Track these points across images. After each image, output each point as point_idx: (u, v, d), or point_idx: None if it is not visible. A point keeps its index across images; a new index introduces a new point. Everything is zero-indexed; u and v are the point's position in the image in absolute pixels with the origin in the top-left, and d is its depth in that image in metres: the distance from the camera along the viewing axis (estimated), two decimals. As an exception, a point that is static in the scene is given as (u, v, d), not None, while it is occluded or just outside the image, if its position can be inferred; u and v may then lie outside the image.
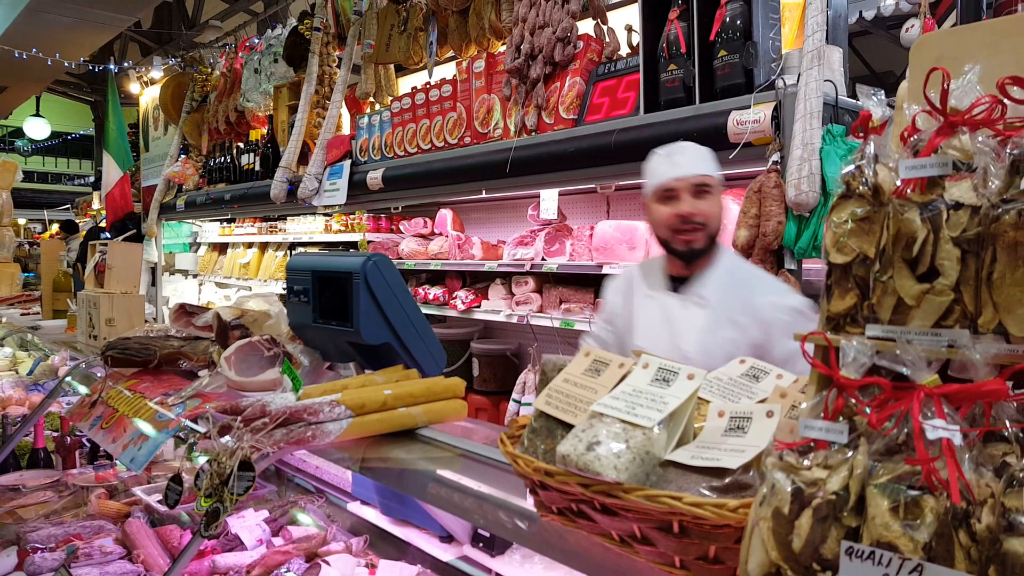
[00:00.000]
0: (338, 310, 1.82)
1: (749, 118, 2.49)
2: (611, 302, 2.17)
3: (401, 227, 4.81)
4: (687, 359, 1.27)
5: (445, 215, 4.47)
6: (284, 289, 2.05)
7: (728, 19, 2.65)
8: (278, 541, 2.20)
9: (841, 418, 0.69)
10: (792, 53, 2.58)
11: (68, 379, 2.59)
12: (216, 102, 6.11)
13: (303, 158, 4.86)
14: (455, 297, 4.09)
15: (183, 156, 6.53)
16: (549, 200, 3.73)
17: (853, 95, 2.63)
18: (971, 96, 0.76)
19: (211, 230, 7.30)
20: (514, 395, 3.70)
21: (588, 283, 3.64)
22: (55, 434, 3.03)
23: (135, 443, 1.80)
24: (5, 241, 5.37)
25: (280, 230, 5.87)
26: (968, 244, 0.68)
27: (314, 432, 1.38)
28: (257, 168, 5.47)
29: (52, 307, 4.12)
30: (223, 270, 6.82)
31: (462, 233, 4.33)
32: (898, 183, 0.74)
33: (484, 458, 1.35)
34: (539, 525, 1.04)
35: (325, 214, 5.23)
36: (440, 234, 4.47)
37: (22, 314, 4.33)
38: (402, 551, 2.09)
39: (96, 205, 11.86)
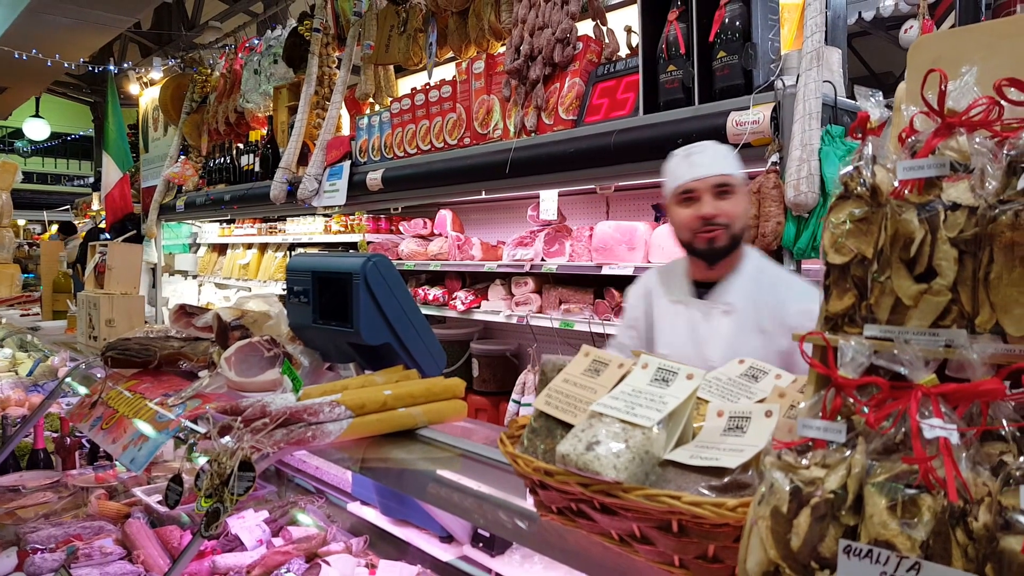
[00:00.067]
0: (338, 311, 1.82)
1: (748, 119, 2.49)
2: (633, 307, 2.11)
3: (401, 228, 4.81)
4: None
5: (445, 216, 4.48)
6: (284, 290, 2.06)
7: (727, 20, 2.65)
8: (278, 541, 2.21)
9: (839, 417, 0.70)
10: (791, 54, 2.59)
11: (68, 380, 2.59)
12: (216, 103, 6.11)
13: (303, 159, 4.86)
14: (455, 298, 4.09)
15: (183, 157, 6.53)
16: (549, 201, 3.74)
17: (852, 96, 2.64)
18: (968, 97, 0.76)
19: (211, 231, 7.31)
20: (514, 395, 3.70)
21: (588, 284, 3.65)
22: (55, 435, 3.03)
23: (135, 444, 1.81)
24: (5, 242, 5.37)
25: (280, 231, 5.87)
26: (965, 245, 0.68)
27: (314, 432, 1.38)
28: (257, 169, 5.47)
29: (52, 308, 4.13)
30: (223, 271, 6.82)
31: (462, 234, 4.33)
32: (896, 184, 0.74)
33: (484, 458, 1.36)
34: (539, 525, 1.04)
35: (325, 215, 5.23)
36: (440, 235, 4.47)
37: (22, 315, 4.34)
38: (402, 551, 2.09)
39: (96, 206, 11.86)
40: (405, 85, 4.64)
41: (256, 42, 5.89)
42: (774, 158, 2.48)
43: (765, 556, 0.66)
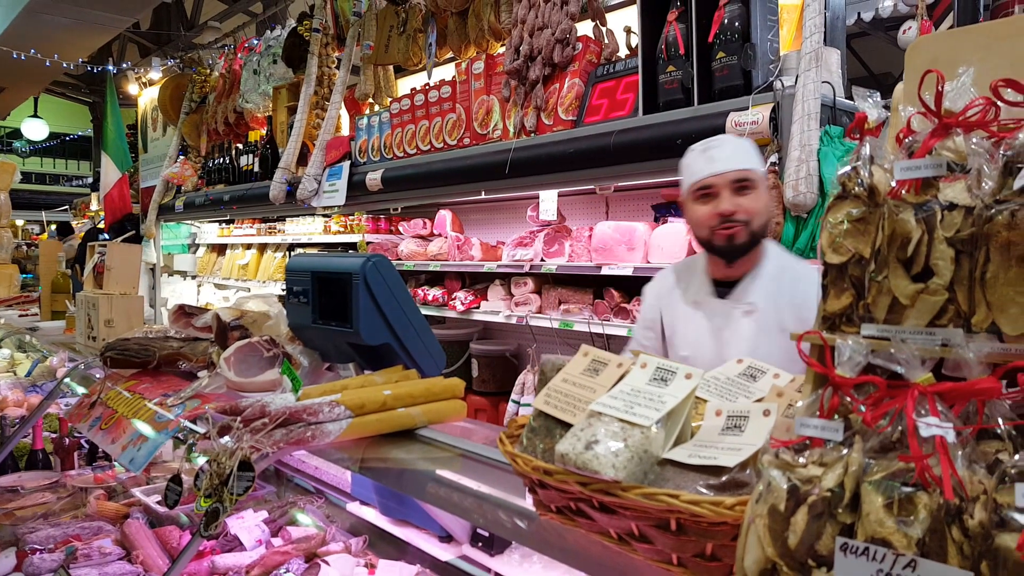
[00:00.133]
0: (337, 311, 1.82)
1: (747, 119, 2.50)
2: (650, 308, 2.04)
3: (400, 228, 4.82)
4: None
5: (444, 216, 4.48)
6: (283, 290, 2.06)
7: (726, 21, 2.66)
8: (277, 541, 2.21)
9: (836, 416, 0.70)
10: (790, 55, 2.59)
11: (67, 380, 2.59)
12: (215, 103, 6.11)
13: (302, 159, 4.86)
14: (454, 298, 4.10)
15: (182, 157, 6.53)
16: (548, 201, 3.74)
17: (851, 97, 2.65)
18: (965, 98, 0.77)
19: (210, 231, 7.31)
20: (513, 396, 3.71)
21: (587, 284, 3.65)
22: (53, 435, 3.03)
23: (134, 444, 1.81)
24: (3, 242, 5.36)
25: (279, 231, 5.87)
26: (962, 244, 0.69)
27: (314, 432, 1.38)
28: (256, 169, 5.47)
29: (50, 308, 4.12)
30: (222, 271, 6.82)
31: (461, 234, 4.34)
32: (893, 184, 0.75)
33: (483, 458, 1.36)
34: (538, 524, 1.05)
35: (324, 215, 5.23)
36: (439, 235, 4.47)
37: (20, 315, 4.33)
38: (401, 551, 2.09)
39: (94, 206, 11.85)
40: (405, 85, 4.64)
41: (255, 42, 5.89)
42: (773, 158, 2.49)
43: (763, 554, 0.66)
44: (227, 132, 6.01)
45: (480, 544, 1.89)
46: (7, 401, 3.29)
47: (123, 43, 11.24)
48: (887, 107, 1.04)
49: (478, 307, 4.02)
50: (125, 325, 2.75)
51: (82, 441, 3.02)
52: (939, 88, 0.76)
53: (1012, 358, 0.65)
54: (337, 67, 4.90)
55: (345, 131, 4.99)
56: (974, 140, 0.72)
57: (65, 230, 10.95)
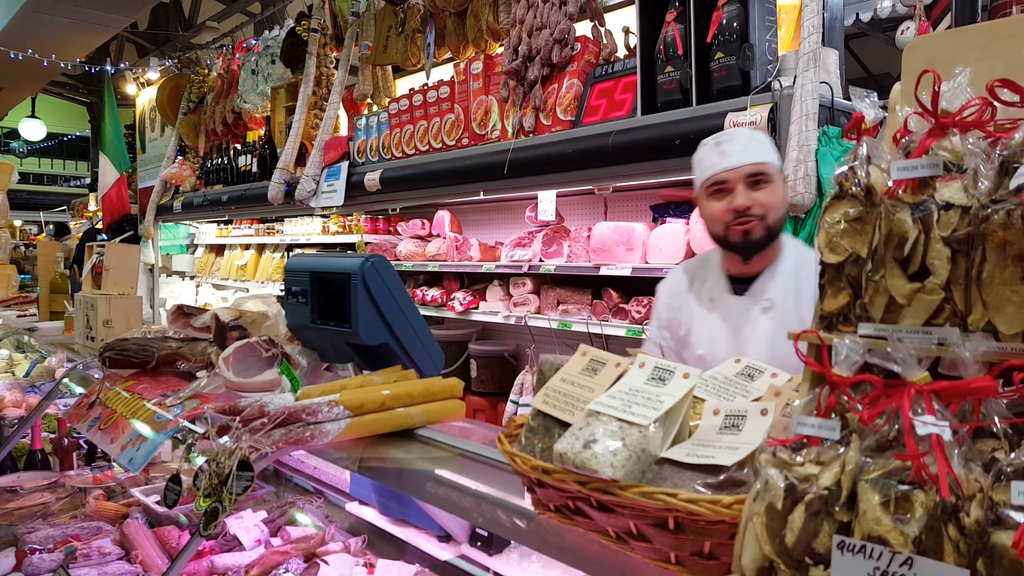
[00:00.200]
0: (336, 311, 1.82)
1: (745, 120, 2.50)
2: (665, 307, 1.99)
3: (399, 228, 4.82)
4: None
5: (443, 216, 4.48)
6: (282, 290, 2.06)
7: (725, 21, 2.66)
8: (276, 541, 2.21)
9: (833, 415, 0.70)
10: (788, 55, 2.60)
11: (65, 380, 2.59)
12: (213, 103, 6.11)
13: (300, 159, 4.86)
14: (453, 298, 4.10)
15: (180, 157, 6.53)
16: (547, 201, 3.74)
17: (849, 97, 2.65)
18: (962, 98, 0.77)
19: (208, 232, 7.30)
20: (512, 396, 3.71)
21: (586, 284, 3.65)
22: (52, 436, 3.03)
23: (133, 444, 1.81)
24: (1, 243, 5.36)
25: (277, 231, 5.87)
26: (958, 244, 0.69)
27: (313, 432, 1.39)
28: (254, 169, 5.47)
29: (49, 309, 4.12)
30: (220, 272, 6.82)
31: (460, 234, 4.34)
32: (890, 184, 0.75)
33: (482, 457, 1.36)
34: (536, 523, 1.05)
35: (323, 215, 5.23)
36: (438, 235, 4.47)
37: (19, 316, 4.33)
38: (400, 551, 2.09)
39: (92, 207, 11.84)
40: (403, 86, 4.64)
41: (253, 42, 5.89)
42: (771, 159, 2.49)
43: (760, 552, 0.67)
44: (225, 132, 6.01)
45: (479, 543, 1.89)
46: (5, 401, 3.29)
47: (121, 43, 11.24)
48: (885, 107, 1.04)
49: (476, 307, 4.03)
50: (124, 325, 2.75)
51: (81, 441, 3.02)
52: (936, 88, 0.76)
53: (1008, 357, 0.65)
54: (335, 67, 4.91)
55: (343, 131, 4.99)
56: (970, 140, 0.72)
57: (62, 231, 10.94)
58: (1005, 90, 0.74)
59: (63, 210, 16.75)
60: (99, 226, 7.92)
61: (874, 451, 0.65)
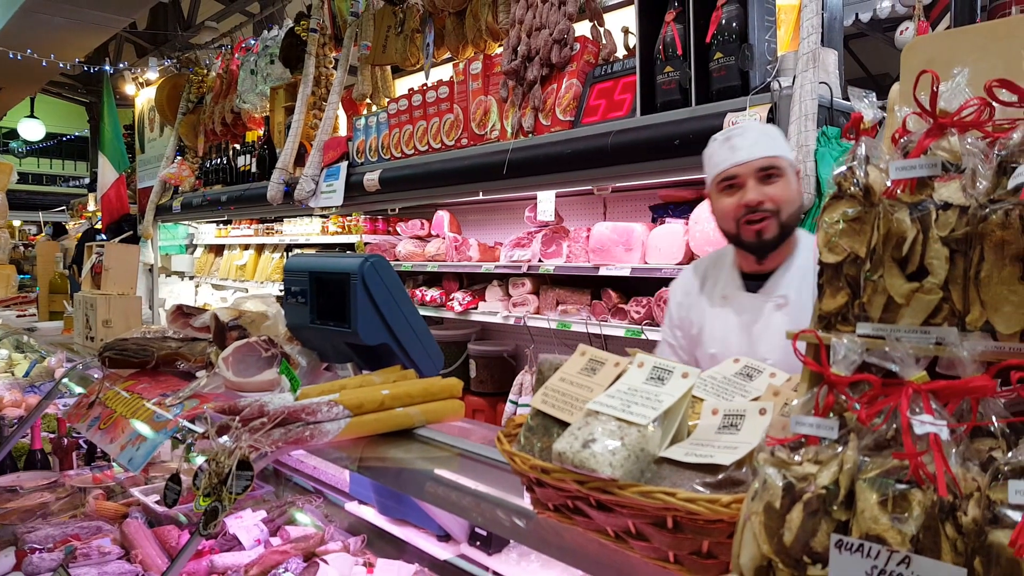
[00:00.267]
0: (336, 311, 1.83)
1: (745, 120, 2.50)
2: (678, 306, 1.97)
3: (398, 229, 4.82)
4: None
5: (442, 217, 4.48)
6: (281, 290, 2.06)
7: (724, 21, 2.66)
8: (276, 541, 2.21)
9: (832, 414, 0.70)
10: (788, 55, 2.60)
11: (65, 380, 2.59)
12: (212, 103, 6.11)
13: (300, 159, 4.86)
14: (452, 299, 4.10)
15: (179, 158, 6.53)
16: (546, 202, 3.75)
17: (848, 97, 2.65)
18: (960, 98, 0.77)
19: (207, 232, 7.30)
20: (511, 396, 3.71)
21: (585, 285, 3.66)
22: (52, 435, 3.03)
23: (133, 444, 1.81)
24: (1, 243, 5.36)
25: (277, 232, 5.87)
26: (956, 243, 0.69)
27: (312, 432, 1.39)
28: (253, 170, 5.47)
29: (48, 309, 4.12)
30: (219, 272, 6.82)
31: (459, 235, 4.34)
32: (888, 184, 0.75)
33: (481, 457, 1.36)
34: (535, 522, 1.05)
35: (322, 216, 5.23)
36: (437, 236, 4.48)
37: (18, 316, 4.32)
38: (400, 550, 2.09)
39: (92, 207, 11.83)
40: (402, 86, 4.64)
41: (252, 42, 5.89)
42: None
43: (758, 551, 0.67)
44: (224, 132, 6.01)
45: (478, 543, 1.89)
46: (5, 401, 3.29)
47: (120, 43, 11.23)
48: (883, 107, 1.04)
49: (476, 308, 4.03)
50: (123, 325, 2.75)
51: (80, 441, 3.02)
52: (934, 88, 0.77)
53: (1006, 356, 0.65)
54: (334, 67, 4.91)
55: (343, 131, 4.99)
56: (969, 140, 0.73)
57: (59, 231, 10.94)
58: (1003, 90, 0.74)
59: (62, 210, 16.74)
60: (98, 226, 7.92)
61: (872, 450, 0.65)
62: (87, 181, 18.59)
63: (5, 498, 2.56)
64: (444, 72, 4.18)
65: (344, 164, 4.48)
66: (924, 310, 0.70)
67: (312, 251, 5.41)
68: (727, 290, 1.84)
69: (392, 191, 4.11)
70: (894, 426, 0.64)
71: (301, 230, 5.59)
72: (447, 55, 4.14)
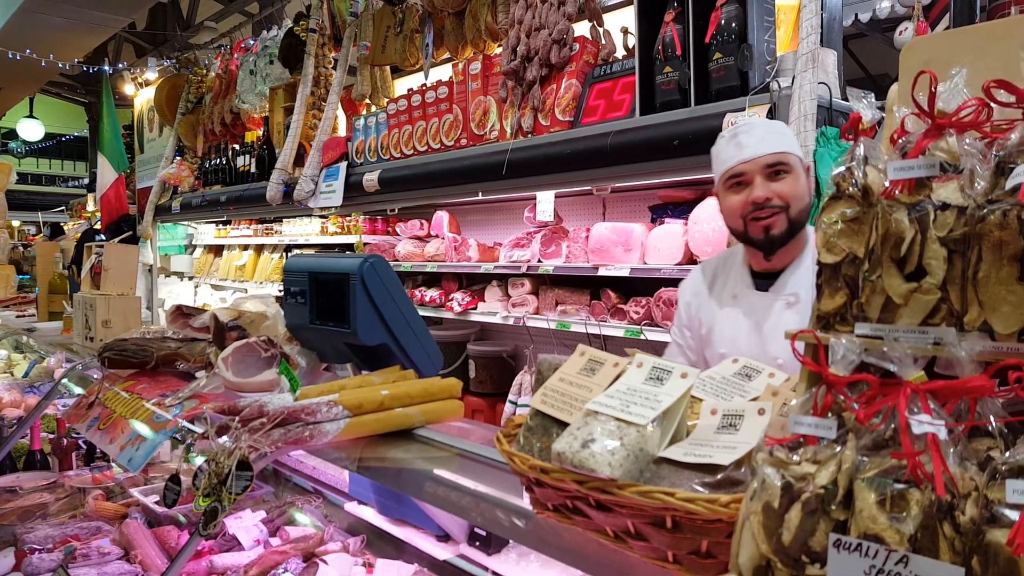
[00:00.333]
0: (335, 311, 1.83)
1: (744, 120, 2.51)
2: (687, 305, 1.96)
3: (397, 229, 4.82)
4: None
5: (441, 217, 4.48)
6: (280, 291, 2.06)
7: (723, 21, 2.67)
8: (275, 541, 2.21)
9: (830, 414, 0.71)
10: (787, 56, 2.60)
11: (64, 381, 2.59)
12: (211, 104, 6.11)
13: (299, 160, 4.86)
14: (451, 299, 4.10)
15: (178, 158, 6.53)
16: (545, 202, 3.75)
17: (847, 98, 2.66)
18: (958, 99, 0.77)
19: (207, 232, 7.30)
20: (510, 397, 3.71)
21: (584, 285, 3.66)
22: (51, 436, 3.03)
23: (132, 444, 1.81)
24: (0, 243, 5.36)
25: (276, 232, 5.87)
26: (955, 244, 0.70)
27: (312, 432, 1.39)
28: (253, 170, 5.47)
29: (48, 309, 4.12)
30: (219, 272, 6.82)
31: (458, 235, 4.34)
32: (887, 184, 0.76)
33: (481, 457, 1.36)
34: (535, 522, 1.05)
35: (321, 216, 5.23)
36: (436, 236, 4.48)
37: (17, 316, 4.32)
38: (399, 550, 2.10)
39: (91, 207, 11.83)
40: (402, 86, 4.64)
41: (252, 42, 5.89)
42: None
43: (757, 551, 0.67)
44: (223, 133, 6.01)
45: (478, 543, 1.89)
46: (4, 402, 3.29)
47: (119, 43, 11.23)
48: (882, 108, 1.05)
49: (475, 308, 4.03)
50: (122, 326, 2.75)
51: (80, 441, 3.02)
52: (933, 89, 0.77)
53: (1004, 356, 0.65)
54: (334, 67, 4.91)
55: (342, 132, 4.99)
56: (967, 141, 0.73)
57: (56, 232, 10.93)
58: (1002, 91, 0.74)
59: (61, 210, 16.73)
60: (97, 226, 7.92)
61: (870, 450, 0.65)
62: (86, 181, 18.60)
63: (4, 498, 2.56)
64: (443, 72, 4.18)
65: (343, 164, 4.48)
66: (922, 310, 0.70)
67: (311, 251, 5.42)
68: (737, 289, 1.83)
69: (391, 191, 4.11)
70: (892, 426, 0.64)
71: (300, 230, 5.59)
72: (446, 55, 4.14)
